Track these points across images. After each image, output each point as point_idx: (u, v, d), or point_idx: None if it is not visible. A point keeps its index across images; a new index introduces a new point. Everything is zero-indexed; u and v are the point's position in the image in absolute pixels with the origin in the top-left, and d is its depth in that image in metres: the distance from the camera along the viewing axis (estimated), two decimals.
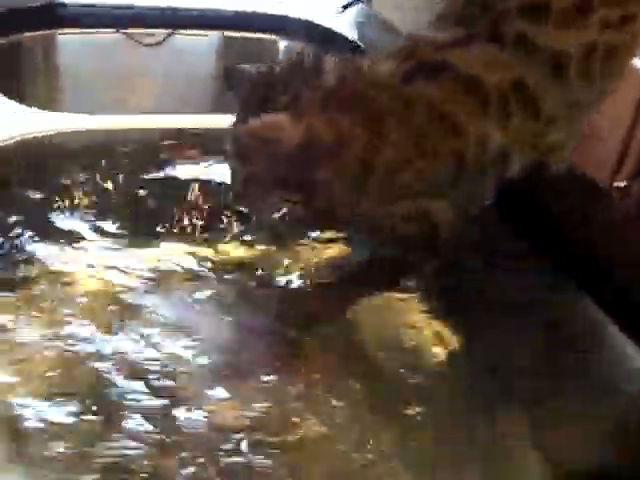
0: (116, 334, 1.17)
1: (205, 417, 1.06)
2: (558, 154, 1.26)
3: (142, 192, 1.46)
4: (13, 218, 1.35)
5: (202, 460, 1.01)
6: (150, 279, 1.28)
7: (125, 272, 1.28)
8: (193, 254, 1.34)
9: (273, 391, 1.11)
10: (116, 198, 1.45)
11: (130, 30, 2.02)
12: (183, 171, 1.51)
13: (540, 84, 1.15)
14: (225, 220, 1.41)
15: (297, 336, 1.20)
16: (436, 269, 1.28)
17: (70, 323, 1.18)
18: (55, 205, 1.40)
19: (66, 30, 2.01)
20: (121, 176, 1.48)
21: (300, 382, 1.13)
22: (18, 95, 1.67)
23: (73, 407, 1.06)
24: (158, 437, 1.03)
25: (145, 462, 1.00)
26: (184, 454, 1.01)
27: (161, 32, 2.04)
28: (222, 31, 2.10)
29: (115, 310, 1.21)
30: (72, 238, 1.34)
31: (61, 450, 1.00)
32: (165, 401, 1.08)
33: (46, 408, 1.05)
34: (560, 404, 1.12)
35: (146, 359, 1.14)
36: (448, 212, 1.21)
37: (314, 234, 1.38)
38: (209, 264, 1.32)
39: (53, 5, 1.99)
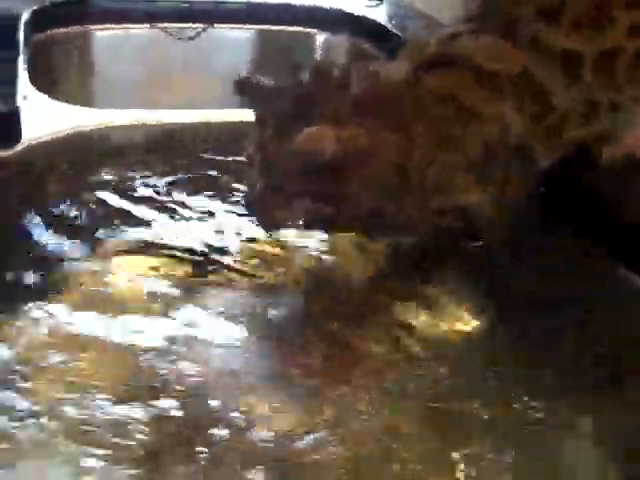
0: None
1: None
2: (606, 143, 1.23)
3: None
4: None
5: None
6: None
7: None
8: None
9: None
10: None
11: (165, 25, 2.00)
12: None
13: (549, 78, 1.15)
14: None
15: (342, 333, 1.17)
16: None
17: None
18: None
19: (100, 26, 2.01)
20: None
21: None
22: (53, 91, 1.66)
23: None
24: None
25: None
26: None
27: (196, 27, 2.02)
28: (258, 25, 2.08)
29: None
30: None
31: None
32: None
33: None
34: None
35: None
36: (484, 207, 1.20)
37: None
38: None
39: (87, 0, 1.98)
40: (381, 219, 1.19)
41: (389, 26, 1.95)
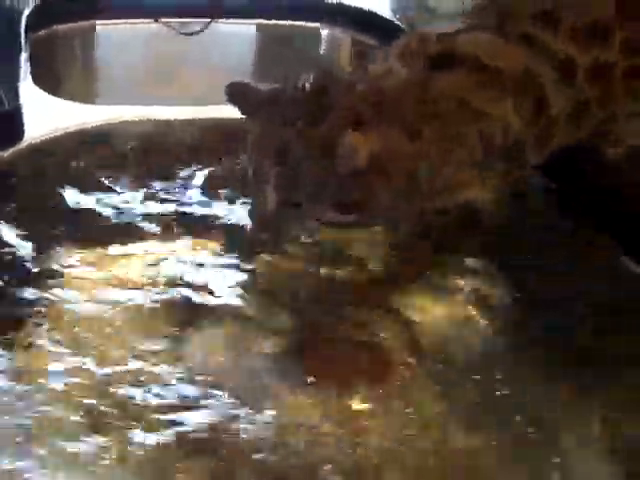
0: None
1: None
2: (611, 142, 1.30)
3: None
4: None
5: None
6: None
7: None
8: None
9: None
10: None
11: (168, 20, 1.99)
12: None
13: (544, 76, 1.18)
14: None
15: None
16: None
17: None
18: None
19: (104, 21, 2.00)
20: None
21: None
22: (56, 88, 1.66)
23: None
24: None
25: None
26: None
27: (200, 21, 2.00)
28: (261, 19, 2.07)
29: None
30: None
31: None
32: None
33: None
34: None
35: None
36: (487, 198, 1.22)
37: None
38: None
39: None
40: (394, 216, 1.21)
41: (392, 18, 1.94)
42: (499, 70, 1.16)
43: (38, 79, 1.61)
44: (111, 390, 1.03)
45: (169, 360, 1.09)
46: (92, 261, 1.24)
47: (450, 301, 1.23)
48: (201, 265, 1.25)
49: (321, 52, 2.10)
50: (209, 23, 1.95)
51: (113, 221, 1.32)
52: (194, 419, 1.01)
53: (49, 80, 1.69)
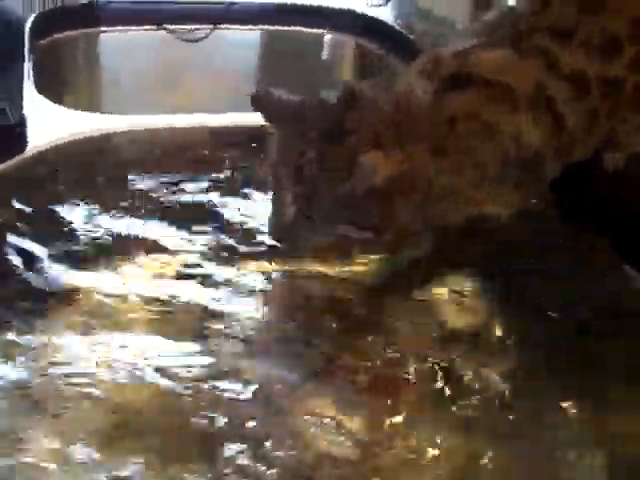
0: None
1: None
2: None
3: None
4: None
5: None
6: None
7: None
8: None
9: None
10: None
11: (172, 26, 1.99)
12: None
13: (557, 90, 1.18)
14: None
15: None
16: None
17: None
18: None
19: (107, 28, 2.00)
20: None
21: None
22: (59, 96, 1.66)
23: None
24: None
25: None
26: None
27: (204, 28, 2.01)
28: (265, 25, 2.07)
29: None
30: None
31: None
32: None
33: None
34: None
35: None
36: (501, 214, 1.22)
37: None
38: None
39: (94, 3, 1.97)
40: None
41: (395, 25, 1.94)
42: (508, 85, 1.17)
43: (42, 87, 1.61)
44: None
45: None
46: None
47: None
48: None
49: (325, 58, 2.10)
50: (212, 30, 1.96)
51: None
52: None
53: (53, 88, 1.69)
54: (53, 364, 1.08)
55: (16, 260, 1.23)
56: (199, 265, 1.27)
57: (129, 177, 1.45)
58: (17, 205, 1.33)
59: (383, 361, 1.14)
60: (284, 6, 2.07)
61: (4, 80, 1.56)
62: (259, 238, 1.33)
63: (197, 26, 2.00)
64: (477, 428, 1.06)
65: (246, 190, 1.43)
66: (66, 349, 1.11)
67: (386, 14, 1.99)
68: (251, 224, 1.36)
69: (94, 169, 1.46)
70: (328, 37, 2.06)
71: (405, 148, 1.13)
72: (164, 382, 1.07)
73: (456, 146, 1.16)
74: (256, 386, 1.08)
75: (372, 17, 1.99)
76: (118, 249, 1.29)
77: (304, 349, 1.15)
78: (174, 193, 1.43)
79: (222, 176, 1.48)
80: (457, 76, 1.18)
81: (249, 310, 1.20)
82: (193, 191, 1.44)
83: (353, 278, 1.28)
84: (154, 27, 2.01)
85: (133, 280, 1.23)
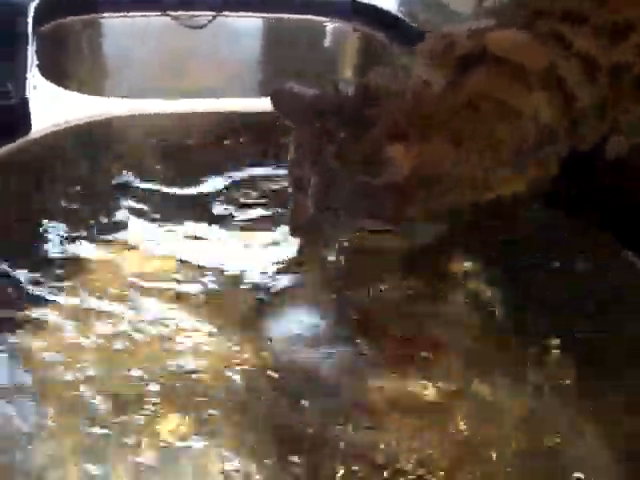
0: None
1: None
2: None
3: None
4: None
5: None
6: None
7: None
8: None
9: None
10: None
11: (175, 12, 1.99)
12: None
13: (570, 73, 1.17)
14: None
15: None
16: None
17: None
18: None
19: (111, 13, 2.00)
20: None
21: None
22: (63, 80, 1.66)
23: None
24: None
25: None
26: None
27: (206, 14, 2.01)
28: (268, 13, 2.07)
29: None
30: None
31: None
32: None
33: None
34: None
35: None
36: (521, 195, 1.22)
37: None
38: None
39: None
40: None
41: (399, 14, 1.94)
42: (519, 64, 1.16)
43: (46, 71, 1.61)
44: None
45: None
46: None
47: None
48: None
49: (327, 45, 2.10)
50: (215, 16, 1.96)
51: None
52: None
53: (57, 72, 1.69)
54: None
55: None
56: None
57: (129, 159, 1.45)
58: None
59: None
60: None
61: (8, 63, 1.56)
62: None
63: (200, 12, 2.01)
64: None
65: None
66: None
67: (389, 2, 1.99)
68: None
69: (97, 151, 1.47)
70: (331, 25, 2.06)
71: (426, 138, 1.13)
72: None
73: (476, 130, 1.15)
74: None
75: (375, 5, 1.99)
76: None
77: None
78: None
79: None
80: (470, 55, 1.17)
81: None
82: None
83: None
84: (157, 13, 2.01)
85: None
